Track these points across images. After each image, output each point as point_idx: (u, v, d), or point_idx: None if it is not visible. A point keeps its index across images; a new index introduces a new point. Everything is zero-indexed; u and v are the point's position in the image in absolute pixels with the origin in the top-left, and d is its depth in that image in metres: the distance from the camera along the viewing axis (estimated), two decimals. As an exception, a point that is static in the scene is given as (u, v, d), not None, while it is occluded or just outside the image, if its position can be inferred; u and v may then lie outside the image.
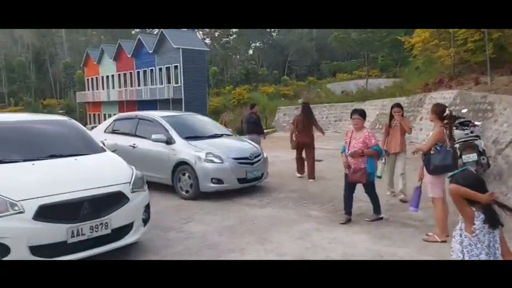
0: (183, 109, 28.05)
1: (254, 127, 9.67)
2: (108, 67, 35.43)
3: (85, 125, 21.63)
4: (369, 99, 20.30)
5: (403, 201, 6.06)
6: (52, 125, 4.93)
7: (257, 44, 59.02)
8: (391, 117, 6.30)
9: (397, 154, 6.23)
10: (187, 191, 6.62)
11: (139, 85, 32.19)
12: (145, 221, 4.29)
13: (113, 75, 35.22)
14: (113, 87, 34.98)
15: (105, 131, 8.13)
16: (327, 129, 21.43)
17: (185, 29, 27.79)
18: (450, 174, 2.40)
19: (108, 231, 3.78)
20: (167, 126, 7.08)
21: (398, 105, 6.42)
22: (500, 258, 2.11)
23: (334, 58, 46.98)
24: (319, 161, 10.68)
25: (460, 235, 2.18)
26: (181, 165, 6.67)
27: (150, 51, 30.06)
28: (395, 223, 5.19)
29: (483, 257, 2.09)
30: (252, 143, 7.69)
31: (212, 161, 6.47)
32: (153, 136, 6.88)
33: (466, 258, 2.11)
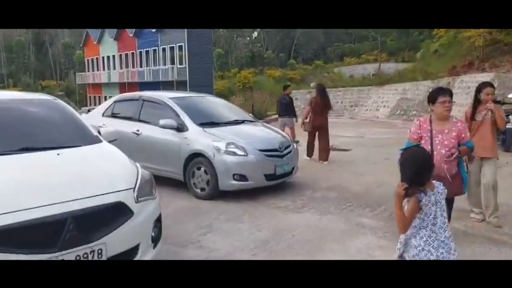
0: (188, 91, 26.72)
1: (286, 109, 9.64)
2: (109, 47, 33.86)
3: (81, 107, 20.45)
4: (388, 83, 18.92)
5: (497, 226, 4.27)
6: (29, 105, 3.66)
7: (262, 26, 57.07)
8: (477, 103, 4.28)
9: (486, 160, 4.32)
10: (202, 189, 5.42)
11: (141, 66, 30.65)
12: (155, 240, 3.09)
13: (114, 56, 33.66)
14: (114, 68, 33.48)
15: (103, 115, 6.92)
16: (342, 115, 20.13)
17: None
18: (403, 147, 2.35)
19: (103, 260, 2.60)
20: (178, 109, 5.83)
21: (490, 84, 4.35)
22: (447, 227, 2.23)
23: (341, 42, 45.54)
24: (347, 150, 9.49)
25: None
26: (196, 158, 5.45)
27: (153, 30, 28.42)
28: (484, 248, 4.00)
29: (428, 230, 2.20)
30: (279, 131, 6.47)
31: (234, 153, 5.24)
32: (161, 121, 5.65)
33: (410, 231, 2.23)
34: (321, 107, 7.65)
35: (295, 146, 6.09)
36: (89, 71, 36.95)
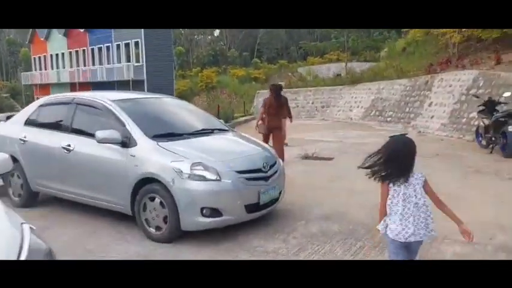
0: (146, 91, 24.64)
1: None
2: (58, 44, 30.93)
3: None
4: (360, 82, 17.99)
5: None
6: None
7: (225, 24, 55.57)
8: None
9: None
10: (158, 228, 3.89)
11: (94, 64, 28.14)
12: None
13: (63, 53, 30.80)
14: (64, 67, 30.64)
15: (25, 123, 5.24)
16: (314, 116, 18.99)
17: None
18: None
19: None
20: (123, 116, 4.26)
21: None
22: (423, 207, 2.39)
23: (305, 41, 45.23)
24: (330, 159, 8.22)
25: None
26: (148, 184, 3.91)
27: (106, 25, 26.05)
28: None
29: (400, 206, 2.39)
30: (261, 142, 5.04)
31: (203, 178, 3.76)
32: (99, 134, 4.07)
33: (388, 210, 2.46)
34: (275, 108, 7.35)
35: (281, 163, 4.67)
36: (36, 70, 33.75)
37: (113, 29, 26.10)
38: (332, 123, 16.30)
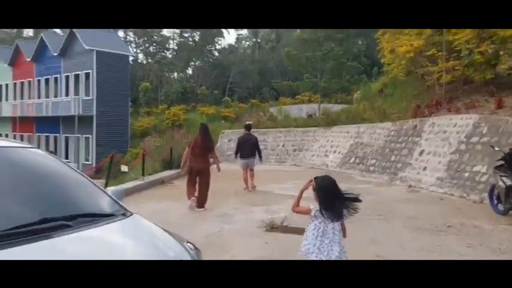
0: (95, 130, 21.65)
1: (253, 150, 9.78)
2: (3, 74, 27.78)
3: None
4: (336, 124, 15.94)
5: None
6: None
7: (197, 63, 54.33)
8: None
9: None
10: None
11: (39, 97, 25.11)
12: None
13: (7, 85, 27.67)
14: (7, 100, 27.39)
15: None
16: (284, 161, 16.59)
17: (105, 29, 21.57)
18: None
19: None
20: None
21: None
22: (336, 248, 2.87)
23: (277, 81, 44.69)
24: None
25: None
26: None
27: (55, 54, 23.30)
28: None
29: (318, 240, 2.91)
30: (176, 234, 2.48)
31: None
32: None
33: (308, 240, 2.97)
34: (200, 148, 7.17)
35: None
36: (-23, 102, 30.27)
37: (62, 58, 23.40)
38: (305, 170, 13.92)
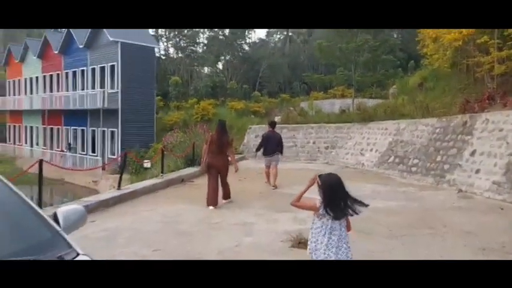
0: (120, 123, 21.18)
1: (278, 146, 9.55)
2: (33, 67, 27.92)
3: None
4: (373, 120, 14.59)
5: None
6: None
7: (227, 57, 53.65)
8: None
9: None
10: None
11: (67, 90, 25.00)
12: None
13: (37, 77, 27.81)
14: (37, 92, 27.56)
15: None
16: (316, 159, 15.42)
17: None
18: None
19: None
20: None
21: None
22: (344, 245, 2.89)
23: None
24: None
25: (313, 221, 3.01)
26: None
27: (81, 46, 22.98)
28: None
29: (326, 238, 2.88)
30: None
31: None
32: None
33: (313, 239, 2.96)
34: (217, 145, 7.06)
35: None
36: (10, 95, 30.71)
37: (88, 51, 23.10)
38: (338, 169, 12.70)
